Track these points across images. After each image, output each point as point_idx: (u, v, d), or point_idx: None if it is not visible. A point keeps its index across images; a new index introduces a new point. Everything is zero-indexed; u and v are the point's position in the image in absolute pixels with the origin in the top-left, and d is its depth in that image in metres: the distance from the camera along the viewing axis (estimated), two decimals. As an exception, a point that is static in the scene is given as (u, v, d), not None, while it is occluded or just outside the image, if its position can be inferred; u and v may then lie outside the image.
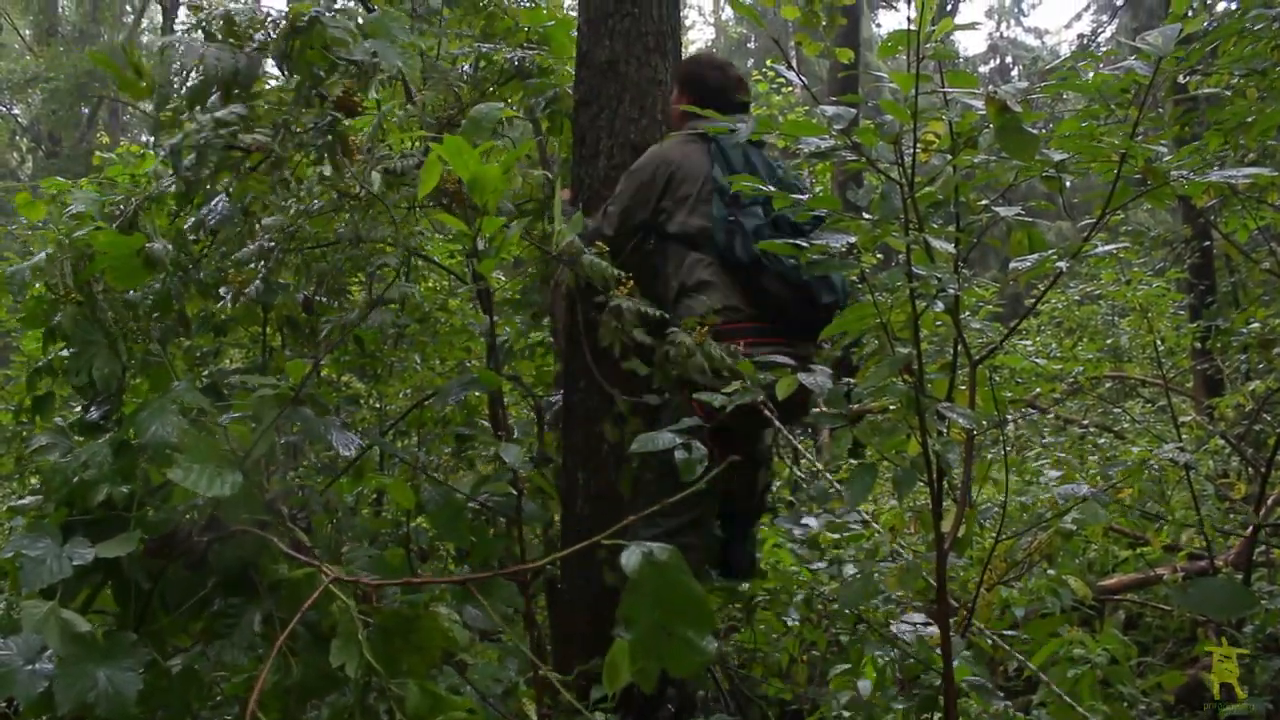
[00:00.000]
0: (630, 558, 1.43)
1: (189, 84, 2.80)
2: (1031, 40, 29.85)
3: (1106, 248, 2.27)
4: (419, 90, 3.79)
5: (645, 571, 1.42)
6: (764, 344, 2.91)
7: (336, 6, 2.88)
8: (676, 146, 3.28)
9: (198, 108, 2.68)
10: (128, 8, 27.28)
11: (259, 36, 2.68)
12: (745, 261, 3.01)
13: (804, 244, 2.11)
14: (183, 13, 25.54)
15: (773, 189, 2.14)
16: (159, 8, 25.41)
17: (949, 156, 2.03)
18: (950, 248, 1.83)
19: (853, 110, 1.86)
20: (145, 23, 27.98)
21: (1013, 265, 1.93)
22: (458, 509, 2.47)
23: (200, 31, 2.76)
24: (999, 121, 1.75)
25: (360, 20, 2.86)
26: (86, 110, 22.73)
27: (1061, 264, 1.88)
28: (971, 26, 2.77)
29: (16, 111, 24.97)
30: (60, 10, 25.93)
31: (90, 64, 21.22)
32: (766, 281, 3.03)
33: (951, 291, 1.82)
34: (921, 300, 1.90)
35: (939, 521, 2.07)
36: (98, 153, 5.68)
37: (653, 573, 1.42)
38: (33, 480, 4.40)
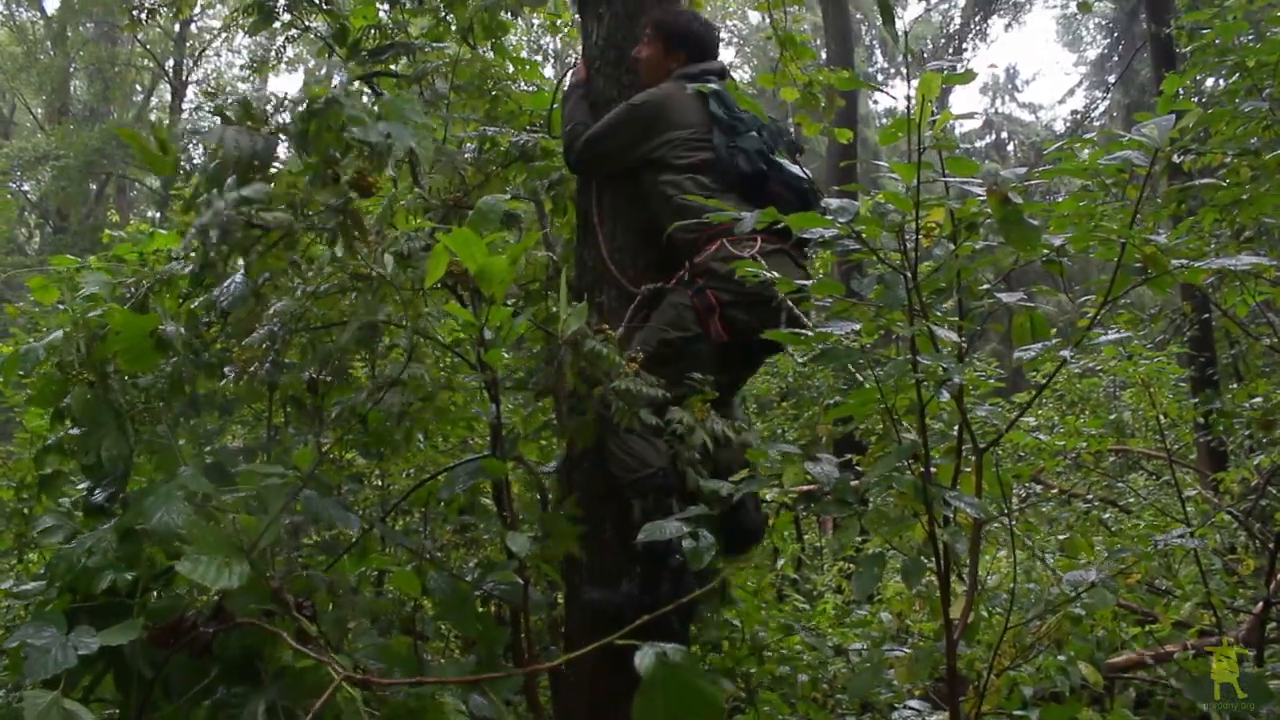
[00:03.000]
0: (644, 659, 1.42)
1: (207, 166, 2.85)
2: (1026, 116, 30.38)
3: (1109, 337, 2.29)
4: (426, 173, 3.85)
5: (658, 672, 1.41)
6: (771, 253, 3.13)
7: (350, 90, 2.95)
8: (673, 91, 3.52)
9: (215, 189, 2.73)
10: (137, 87, 27.79)
11: (276, 120, 2.74)
12: (750, 173, 3.28)
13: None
14: (191, 93, 26.05)
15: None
16: (168, 87, 25.92)
17: (950, 242, 2.06)
18: (954, 336, 1.85)
19: (856, 204, 1.89)
20: (154, 101, 28.50)
21: (1017, 354, 1.95)
22: (464, 597, 2.46)
23: (217, 116, 2.82)
24: (1000, 214, 1.78)
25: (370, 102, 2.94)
26: (94, 186, 23.01)
27: (1065, 353, 1.90)
28: (969, 116, 2.80)
29: (26, 188, 25.30)
30: (72, 90, 26.41)
31: (99, 141, 21.58)
32: (773, 188, 3.27)
33: (956, 380, 1.84)
34: (926, 388, 1.92)
35: (948, 608, 2.06)
36: (107, 230, 5.75)
37: (665, 673, 1.41)
38: (31, 556, 4.37)
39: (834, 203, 1.86)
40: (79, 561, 2.23)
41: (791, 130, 3.73)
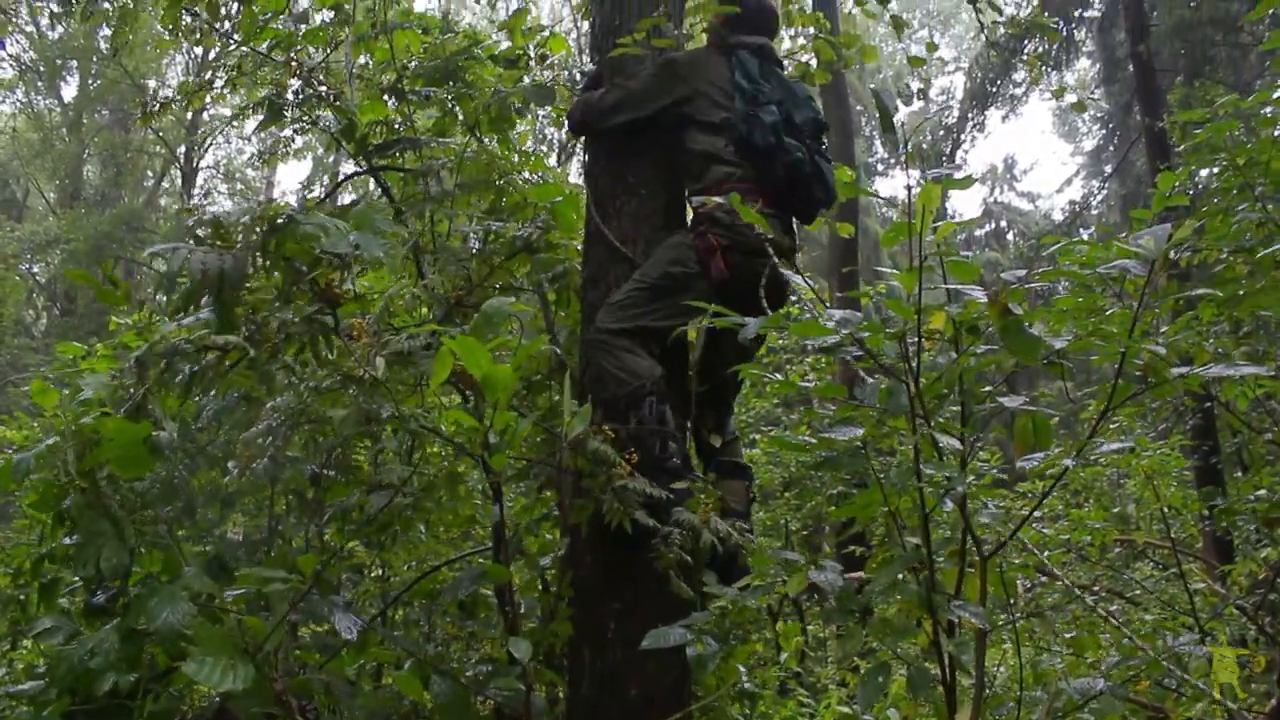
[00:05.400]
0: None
1: (169, 281, 2.90)
2: (1025, 205, 30.69)
3: (1111, 446, 2.30)
4: (430, 267, 3.89)
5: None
6: (770, 218, 3.25)
7: (308, 204, 3.02)
8: (702, 54, 3.79)
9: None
10: (149, 172, 28.23)
11: (242, 239, 2.79)
12: (761, 147, 3.44)
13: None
14: (201, 178, 26.46)
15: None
16: (179, 173, 26.34)
17: (952, 347, 2.08)
18: (957, 443, 1.86)
19: (858, 315, 1.92)
20: (165, 186, 28.94)
21: (1019, 463, 1.96)
22: (465, 700, 2.43)
23: (191, 238, 2.88)
24: (1001, 324, 1.80)
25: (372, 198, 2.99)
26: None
27: (1067, 461, 1.91)
28: (970, 224, 2.82)
29: (35, 270, 25.54)
30: (85, 175, 26.83)
31: (109, 226, 21.88)
32: (778, 168, 3.46)
33: (960, 490, 1.84)
34: (930, 494, 1.92)
35: (954, 715, 2.03)
36: (113, 318, 5.79)
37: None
38: (26, 644, 4.32)
39: (837, 313, 1.89)
40: (80, 663, 2.21)
41: (819, 108, 3.86)
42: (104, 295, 3.00)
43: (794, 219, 3.71)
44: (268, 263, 2.74)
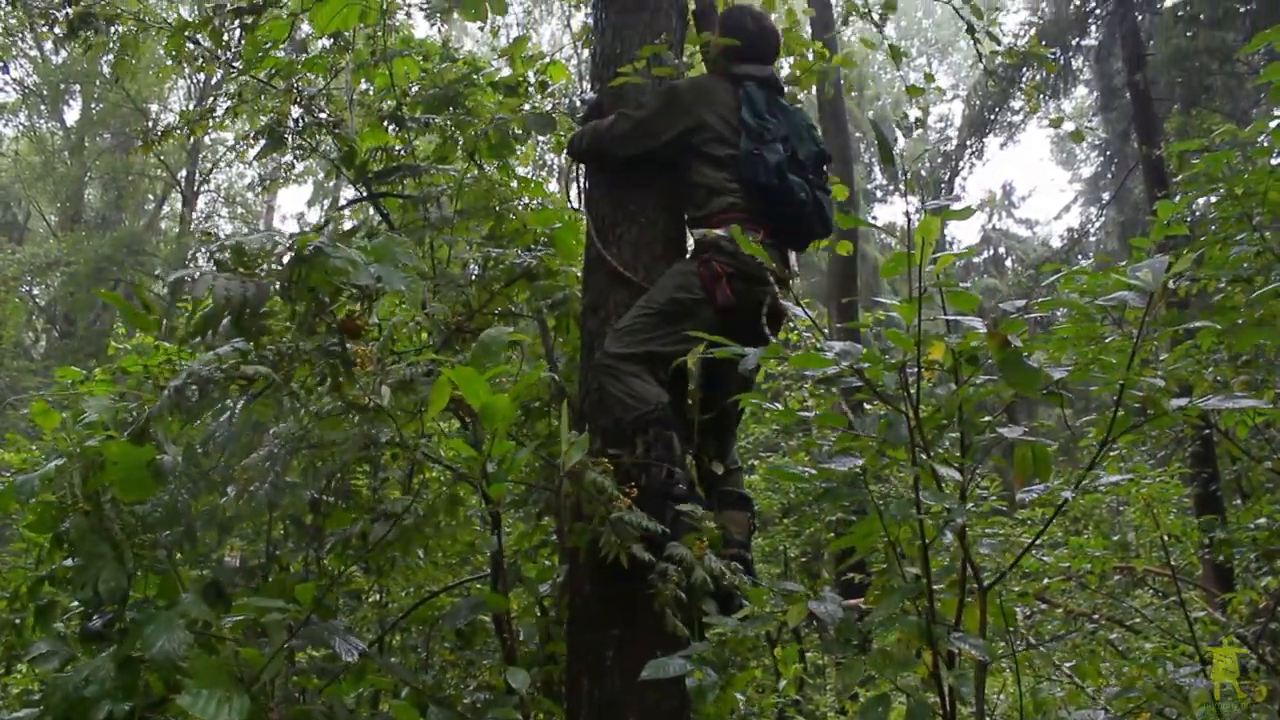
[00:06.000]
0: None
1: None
2: (1023, 231, 30.80)
3: (1111, 479, 2.30)
4: (430, 296, 3.90)
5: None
6: (769, 248, 3.27)
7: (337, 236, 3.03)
8: (709, 83, 3.75)
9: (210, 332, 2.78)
10: (150, 196, 28.33)
11: (265, 267, 2.80)
12: (765, 186, 3.47)
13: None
14: (201, 202, 26.52)
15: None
16: (180, 196, 26.42)
17: (951, 377, 2.08)
18: (956, 474, 1.86)
19: (858, 347, 1.92)
20: (166, 209, 29.03)
21: (1019, 495, 1.96)
22: (463, 731, 2.41)
23: (212, 261, 2.89)
24: (1001, 356, 1.81)
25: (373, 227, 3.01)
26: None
27: (1066, 493, 1.91)
28: (966, 214, 2.81)
29: (35, 292, 25.57)
30: (86, 198, 26.92)
31: (110, 249, 21.91)
32: (780, 207, 3.50)
33: (960, 521, 1.84)
34: (930, 525, 1.92)
35: (955, 747, 2.02)
36: (113, 343, 5.79)
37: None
38: (20, 669, 4.29)
39: (837, 345, 1.90)
40: (75, 690, 2.20)
41: (820, 137, 3.90)
42: (135, 319, 3.00)
43: (798, 250, 3.79)
44: (292, 292, 2.74)
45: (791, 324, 3.94)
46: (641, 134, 3.69)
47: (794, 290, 3.55)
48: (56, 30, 4.97)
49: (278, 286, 2.71)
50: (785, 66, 5.69)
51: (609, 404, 3.33)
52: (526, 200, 4.85)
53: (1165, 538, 6.39)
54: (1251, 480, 9.05)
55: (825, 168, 3.74)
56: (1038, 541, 6.27)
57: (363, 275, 2.61)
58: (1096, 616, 7.01)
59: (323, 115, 4.74)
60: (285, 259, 2.78)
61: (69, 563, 2.95)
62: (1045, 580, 6.21)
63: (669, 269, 3.60)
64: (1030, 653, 5.58)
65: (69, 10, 4.84)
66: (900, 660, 1.90)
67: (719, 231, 3.33)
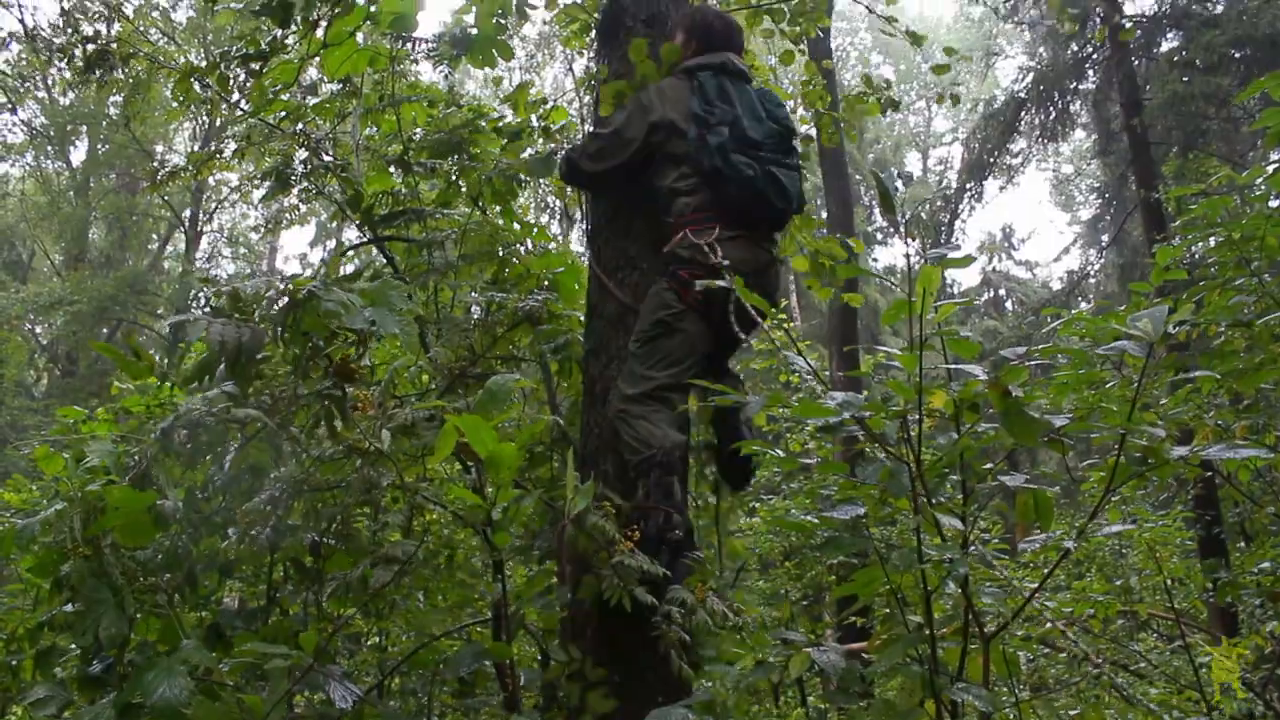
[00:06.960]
0: None
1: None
2: (1023, 273, 30.88)
3: (1113, 528, 2.30)
4: (434, 340, 3.92)
5: None
6: (732, 239, 3.49)
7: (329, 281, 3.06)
8: (668, 83, 3.81)
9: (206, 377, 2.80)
10: (154, 235, 28.47)
11: (260, 312, 2.82)
12: (709, 171, 3.53)
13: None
14: (205, 243, 26.65)
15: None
16: (183, 236, 26.56)
17: (953, 425, 2.09)
18: (959, 524, 1.86)
19: (860, 396, 1.93)
20: (169, 249, 29.16)
21: (1021, 545, 1.96)
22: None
23: (209, 307, 2.91)
24: (1002, 406, 1.82)
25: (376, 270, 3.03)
26: (105, 331, 23.32)
27: (1069, 543, 1.91)
28: (966, 262, 2.81)
29: (38, 330, 25.62)
30: (90, 237, 27.04)
31: (113, 288, 21.98)
32: (731, 187, 3.51)
33: (962, 572, 1.84)
34: (932, 574, 1.91)
35: (959, 798, 2.01)
36: (115, 383, 5.78)
37: None
38: (15, 711, 4.26)
39: (839, 395, 1.91)
40: (73, 738, 2.19)
41: (790, 117, 3.92)
42: (127, 367, 3.01)
43: (770, 233, 3.74)
44: (286, 336, 2.76)
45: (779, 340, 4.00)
46: (613, 147, 3.76)
47: (777, 272, 3.63)
48: (75, 64, 5.04)
49: (274, 332, 2.73)
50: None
51: (619, 448, 3.38)
52: (529, 244, 4.88)
53: (1169, 581, 6.36)
54: (1255, 523, 9.02)
55: (792, 142, 3.76)
56: (1041, 587, 6.23)
57: (356, 319, 2.63)
58: (1100, 660, 6.95)
59: (329, 158, 4.78)
60: (280, 303, 2.80)
61: (69, 608, 2.94)
62: (1048, 624, 6.17)
63: (646, 299, 3.64)
64: (1035, 699, 5.53)
65: (88, 48, 4.90)
66: (903, 710, 1.89)
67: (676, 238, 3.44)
